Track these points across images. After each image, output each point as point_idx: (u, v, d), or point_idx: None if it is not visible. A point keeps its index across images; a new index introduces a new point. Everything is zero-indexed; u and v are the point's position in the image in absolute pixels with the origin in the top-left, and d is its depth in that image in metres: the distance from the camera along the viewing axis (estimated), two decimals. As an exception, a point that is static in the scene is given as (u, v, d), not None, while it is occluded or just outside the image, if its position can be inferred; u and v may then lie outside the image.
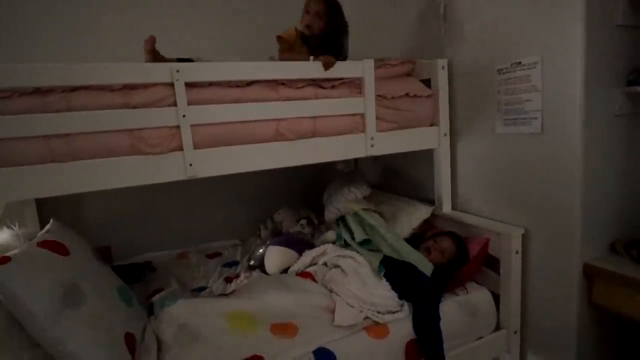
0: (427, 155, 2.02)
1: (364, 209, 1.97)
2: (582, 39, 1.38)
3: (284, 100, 1.55)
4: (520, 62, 1.58)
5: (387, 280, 1.54)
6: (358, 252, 1.68)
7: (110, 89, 1.32)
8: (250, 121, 1.50)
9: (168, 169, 1.40)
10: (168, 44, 2.24)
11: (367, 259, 1.59)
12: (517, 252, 1.67)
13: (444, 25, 1.91)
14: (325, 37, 1.79)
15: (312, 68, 1.61)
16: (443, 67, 1.88)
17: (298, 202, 2.71)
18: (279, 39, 1.79)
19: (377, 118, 1.72)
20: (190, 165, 1.42)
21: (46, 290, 1.14)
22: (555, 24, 1.45)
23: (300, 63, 1.62)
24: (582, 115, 1.42)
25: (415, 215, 2.04)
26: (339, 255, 1.66)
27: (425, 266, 1.62)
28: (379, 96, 1.72)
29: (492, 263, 1.77)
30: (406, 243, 1.77)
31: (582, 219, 1.49)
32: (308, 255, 1.79)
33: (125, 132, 1.34)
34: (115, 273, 1.60)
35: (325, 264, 1.71)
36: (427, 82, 1.90)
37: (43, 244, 1.31)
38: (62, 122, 1.25)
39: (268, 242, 2.03)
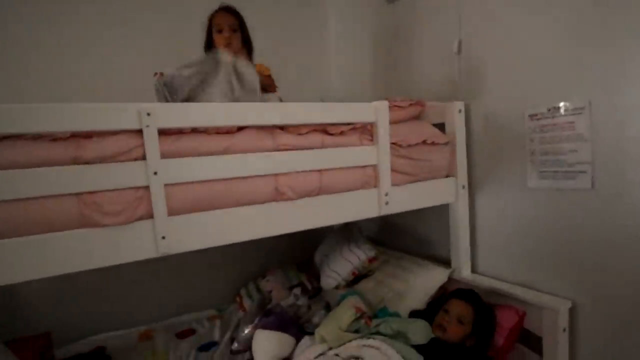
0: (436, 208, 1.75)
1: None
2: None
3: (283, 149, 1.24)
4: (558, 107, 1.37)
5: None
6: (383, 340, 1.32)
7: (52, 138, 0.96)
8: (242, 177, 1.17)
9: (132, 246, 1.03)
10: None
11: (405, 354, 1.24)
12: (564, 330, 1.39)
13: (460, 64, 1.70)
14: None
15: (318, 110, 1.32)
16: (460, 111, 1.64)
17: (286, 262, 2.32)
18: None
19: (392, 170, 1.44)
20: (163, 238, 1.06)
21: None
22: (607, 59, 1.24)
23: (302, 104, 1.32)
24: (644, 168, 1.20)
25: (431, 281, 1.73)
26: (363, 345, 1.30)
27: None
28: (392, 144, 1.44)
29: (527, 340, 1.47)
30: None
31: (647, 290, 1.24)
32: (312, 351, 1.40)
33: (72, 196, 0.97)
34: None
35: (336, 355, 1.34)
36: (439, 127, 1.66)
37: None
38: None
39: (256, 321, 1.63)
